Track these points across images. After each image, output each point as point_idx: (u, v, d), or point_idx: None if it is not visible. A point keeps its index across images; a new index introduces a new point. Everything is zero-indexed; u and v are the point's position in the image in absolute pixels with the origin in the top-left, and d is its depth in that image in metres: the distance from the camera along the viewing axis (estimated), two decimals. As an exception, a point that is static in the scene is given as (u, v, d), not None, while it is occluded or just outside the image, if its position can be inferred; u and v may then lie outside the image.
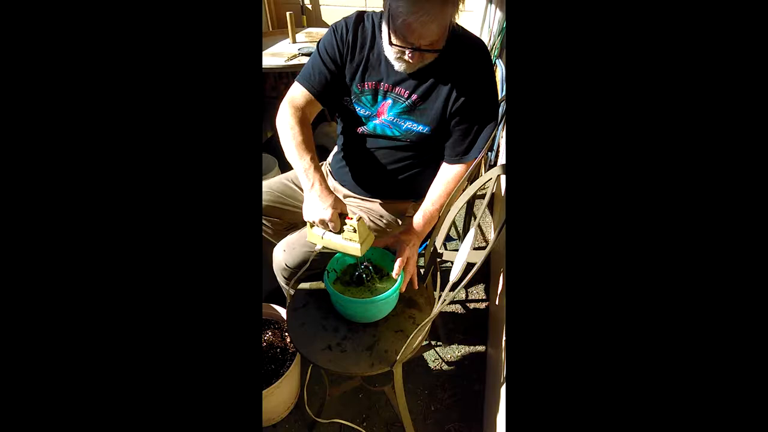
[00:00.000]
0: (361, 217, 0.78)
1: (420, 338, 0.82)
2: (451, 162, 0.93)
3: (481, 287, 1.55)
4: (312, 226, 0.84)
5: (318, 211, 0.79)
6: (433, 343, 1.33)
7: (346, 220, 0.78)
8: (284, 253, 0.95)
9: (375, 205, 1.04)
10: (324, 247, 0.85)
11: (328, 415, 1.12)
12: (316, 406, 1.12)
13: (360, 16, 0.91)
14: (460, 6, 0.76)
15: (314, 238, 0.85)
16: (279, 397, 1.06)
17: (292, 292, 0.99)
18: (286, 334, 1.10)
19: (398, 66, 0.84)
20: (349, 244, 0.80)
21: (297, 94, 0.93)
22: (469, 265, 0.62)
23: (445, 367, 1.28)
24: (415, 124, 0.91)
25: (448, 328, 1.38)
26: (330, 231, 0.81)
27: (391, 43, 0.80)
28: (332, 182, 1.10)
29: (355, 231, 0.78)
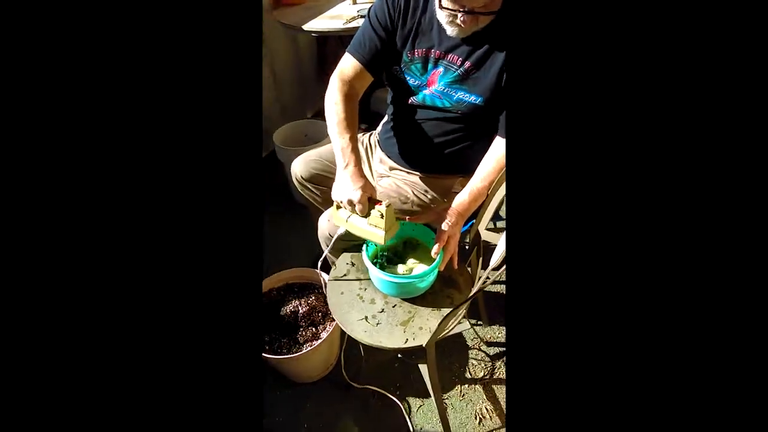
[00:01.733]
0: (390, 204, 0.75)
1: (456, 319, 0.80)
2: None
3: (530, 269, 1.49)
4: (339, 207, 0.83)
5: (347, 191, 0.78)
6: (472, 321, 1.32)
7: (375, 205, 0.76)
8: (328, 223, 0.96)
9: (420, 179, 1.01)
10: (347, 231, 0.84)
11: (364, 380, 1.16)
12: (352, 370, 1.16)
13: None
14: None
15: (339, 220, 0.83)
16: (318, 358, 1.11)
17: (335, 260, 1.01)
18: (328, 299, 1.14)
19: (450, 30, 0.78)
20: (373, 230, 0.78)
21: (347, 65, 0.90)
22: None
23: (483, 347, 1.26)
24: (467, 94, 0.85)
25: (489, 309, 1.35)
26: (356, 214, 0.79)
27: (441, 6, 0.74)
28: (379, 153, 1.08)
29: (382, 217, 0.75)
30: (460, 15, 0.74)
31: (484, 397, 1.14)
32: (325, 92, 0.92)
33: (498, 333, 1.30)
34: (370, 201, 0.79)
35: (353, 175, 0.79)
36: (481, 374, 1.20)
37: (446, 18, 0.77)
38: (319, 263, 0.97)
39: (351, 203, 0.78)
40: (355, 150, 0.82)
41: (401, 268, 0.88)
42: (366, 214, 0.79)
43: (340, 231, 0.86)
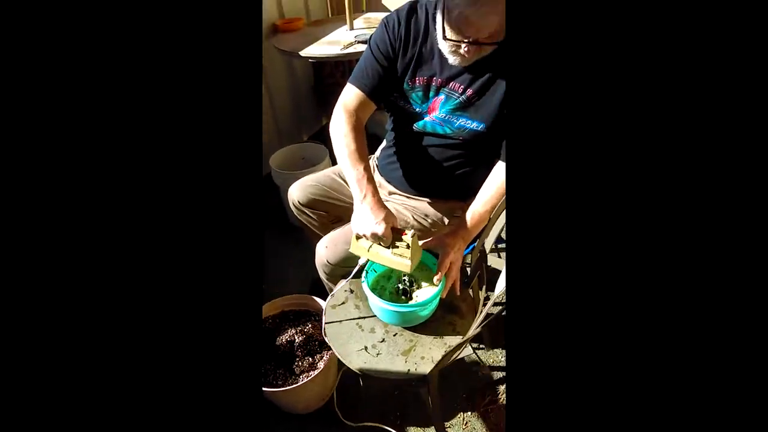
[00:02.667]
0: (415, 233, 0.74)
1: (459, 351, 0.78)
2: None
3: (531, 291, 1.47)
4: (359, 237, 0.81)
5: (370, 225, 0.75)
6: (474, 345, 1.29)
7: (401, 235, 0.75)
8: (326, 250, 0.94)
9: (422, 204, 1.00)
10: (368, 260, 0.82)
11: (362, 411, 1.12)
12: (350, 400, 1.12)
13: (413, 6, 0.85)
14: None
15: (359, 250, 0.81)
16: (314, 389, 1.07)
17: (333, 287, 0.99)
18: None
19: (453, 60, 0.78)
20: (399, 259, 0.76)
21: (350, 96, 0.90)
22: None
23: (486, 372, 1.23)
24: (470, 121, 0.85)
25: (492, 331, 1.32)
26: (376, 245, 0.78)
27: (445, 38, 0.75)
28: (378, 178, 1.07)
29: (408, 247, 0.74)
30: (463, 45, 0.74)
31: (489, 425, 1.11)
32: (320, 116, 0.92)
33: (501, 357, 1.27)
34: (393, 231, 0.77)
35: (373, 207, 0.77)
36: (485, 401, 1.16)
37: (449, 48, 0.77)
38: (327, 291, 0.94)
39: (375, 236, 0.76)
40: (371, 180, 0.80)
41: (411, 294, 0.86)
42: (392, 245, 0.77)
43: (362, 261, 0.84)
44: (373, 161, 1.12)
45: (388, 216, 0.76)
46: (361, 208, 0.78)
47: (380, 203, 0.78)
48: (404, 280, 0.86)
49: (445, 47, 0.78)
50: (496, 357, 1.27)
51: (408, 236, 0.73)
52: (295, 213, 1.11)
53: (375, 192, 0.79)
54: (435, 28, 0.81)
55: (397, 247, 0.76)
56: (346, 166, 0.83)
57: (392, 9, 0.90)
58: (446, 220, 0.99)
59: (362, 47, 1.50)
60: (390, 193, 1.05)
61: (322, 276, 1.01)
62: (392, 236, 0.76)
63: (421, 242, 0.85)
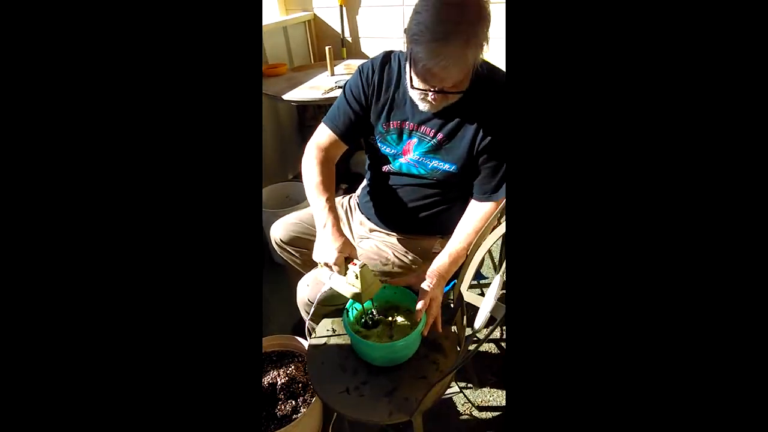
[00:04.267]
0: (365, 265, 0.76)
1: (443, 387, 0.77)
2: (481, 200, 0.90)
3: (517, 326, 1.46)
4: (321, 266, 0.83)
5: (325, 253, 0.79)
6: (461, 385, 1.26)
7: (350, 265, 0.77)
8: (308, 288, 0.94)
9: (402, 241, 1.01)
10: (331, 288, 0.84)
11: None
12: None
13: (387, 56, 0.91)
14: (485, 47, 0.74)
15: (323, 277, 0.84)
16: (298, 435, 1.03)
17: (315, 327, 0.98)
18: (310, 368, 1.08)
19: (422, 106, 0.83)
20: (351, 289, 0.78)
21: (322, 135, 0.95)
22: (492, 319, 0.58)
23: (475, 413, 1.20)
24: (442, 163, 0.89)
25: (479, 370, 1.30)
26: (336, 273, 0.80)
27: (412, 87, 0.79)
28: (359, 216, 1.09)
29: (357, 277, 0.76)
30: (430, 94, 0.78)
31: (479, 469, 1.07)
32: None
33: (489, 396, 1.24)
34: (346, 261, 0.79)
35: (332, 235, 0.81)
36: (474, 443, 1.12)
37: (418, 95, 0.81)
38: (306, 331, 0.93)
39: (328, 265, 0.80)
40: (332, 210, 0.85)
41: (383, 334, 0.85)
42: (344, 273, 0.79)
43: (324, 288, 0.86)
44: (354, 199, 1.14)
45: (345, 244, 0.80)
46: (321, 236, 0.82)
47: (339, 232, 0.82)
48: (372, 312, 0.86)
49: (414, 95, 0.82)
50: (485, 397, 1.24)
51: (356, 267, 0.75)
52: (278, 251, 1.11)
53: (335, 222, 0.83)
54: (406, 77, 0.85)
55: (350, 276, 0.78)
56: (311, 196, 0.88)
57: (371, 57, 0.96)
58: (425, 257, 1.01)
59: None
60: (371, 231, 1.06)
61: (304, 315, 0.99)
62: (345, 267, 0.78)
63: (399, 279, 0.85)
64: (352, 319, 0.85)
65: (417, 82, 0.79)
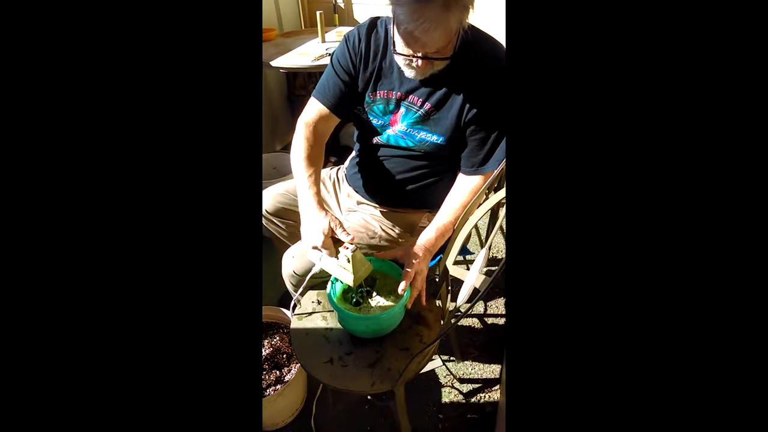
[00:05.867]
0: (356, 248, 0.75)
1: (425, 359, 0.78)
2: (468, 173, 0.89)
3: (501, 301, 1.49)
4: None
5: (311, 236, 0.78)
6: (444, 358, 1.29)
7: (341, 249, 0.76)
8: (293, 260, 0.93)
9: (389, 214, 1.00)
10: (321, 269, 0.83)
11: (332, 425, 1.09)
12: (320, 414, 1.10)
13: (373, 22, 0.88)
14: (470, 10, 0.71)
15: (313, 257, 0.83)
16: (282, 404, 1.04)
17: (300, 299, 0.98)
18: (294, 339, 1.09)
19: (408, 73, 0.80)
20: (343, 272, 0.78)
21: (312, 110, 0.92)
22: (475, 291, 0.58)
23: (456, 384, 1.23)
24: (429, 134, 0.87)
25: (462, 343, 1.33)
26: (326, 255, 0.79)
27: (396, 52, 0.77)
28: (346, 187, 1.07)
29: (349, 261, 0.75)
30: (415, 60, 0.76)
31: (458, 438, 1.10)
32: (293, 126, 0.93)
33: (471, 369, 1.27)
34: (335, 242, 0.78)
35: (314, 213, 0.79)
36: (456, 413, 1.15)
37: (404, 61, 0.79)
38: (291, 306, 0.92)
39: (316, 248, 0.78)
40: (313, 186, 0.83)
41: (369, 305, 0.85)
42: (334, 255, 0.78)
43: (315, 269, 0.85)
44: (342, 171, 1.12)
45: (328, 224, 0.77)
46: (303, 216, 0.81)
47: (320, 207, 0.81)
48: (362, 291, 0.86)
49: (400, 60, 0.80)
50: (467, 370, 1.27)
51: (349, 251, 0.74)
52: (264, 222, 1.09)
53: (317, 198, 0.82)
54: (392, 44, 0.82)
55: (342, 260, 0.77)
56: (296, 171, 0.87)
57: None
58: (413, 231, 1.00)
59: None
60: (358, 203, 1.04)
61: (289, 287, 0.99)
62: (336, 249, 0.77)
63: (386, 252, 0.85)
64: (338, 292, 0.85)
65: (400, 47, 0.76)
